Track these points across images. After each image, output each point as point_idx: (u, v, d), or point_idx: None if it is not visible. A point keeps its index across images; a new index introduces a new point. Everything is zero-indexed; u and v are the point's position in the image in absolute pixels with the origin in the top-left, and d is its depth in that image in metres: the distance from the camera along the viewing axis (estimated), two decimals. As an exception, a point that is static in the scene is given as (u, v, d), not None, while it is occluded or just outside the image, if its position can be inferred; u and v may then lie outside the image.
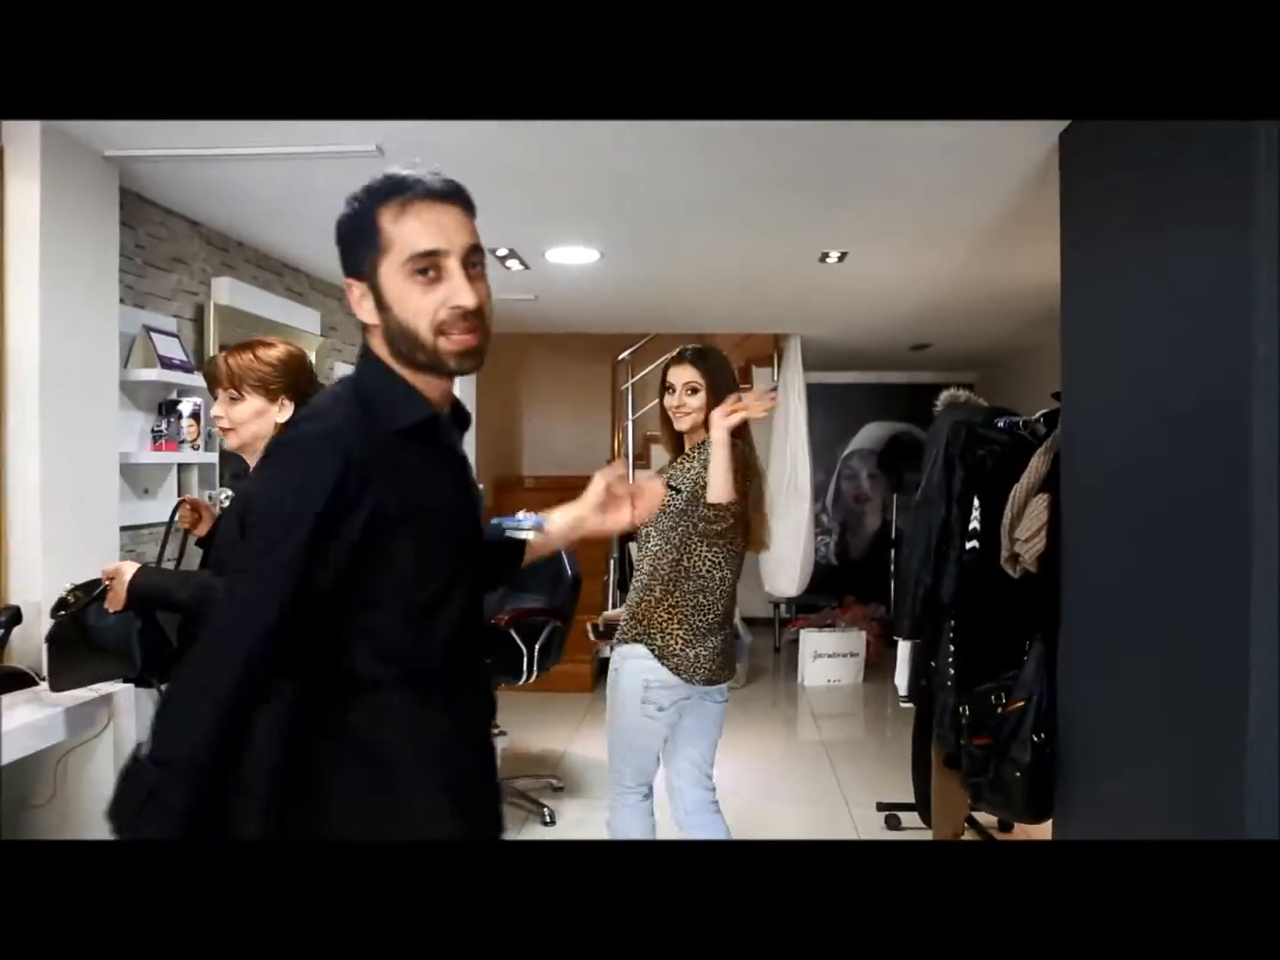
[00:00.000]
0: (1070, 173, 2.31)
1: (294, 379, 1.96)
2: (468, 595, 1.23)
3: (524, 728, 4.70)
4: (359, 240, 1.15)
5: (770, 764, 4.44)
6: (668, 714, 2.30)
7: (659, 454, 5.99)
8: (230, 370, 1.92)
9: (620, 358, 6.95)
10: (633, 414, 7.04)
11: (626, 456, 6.97)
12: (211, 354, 3.12)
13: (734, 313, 5.19)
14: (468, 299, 1.11)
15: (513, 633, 3.51)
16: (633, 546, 6.47)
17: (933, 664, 2.77)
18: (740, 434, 2.31)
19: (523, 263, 3.75)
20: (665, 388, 2.42)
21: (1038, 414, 2.74)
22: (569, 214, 3.17)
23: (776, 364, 6.93)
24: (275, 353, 1.96)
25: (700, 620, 2.29)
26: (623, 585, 6.30)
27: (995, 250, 3.71)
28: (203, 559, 2.02)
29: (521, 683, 3.59)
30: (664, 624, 2.28)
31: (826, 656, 5.92)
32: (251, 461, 1.98)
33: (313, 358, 3.92)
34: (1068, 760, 2.23)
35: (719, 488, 2.17)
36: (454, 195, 1.15)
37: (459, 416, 1.27)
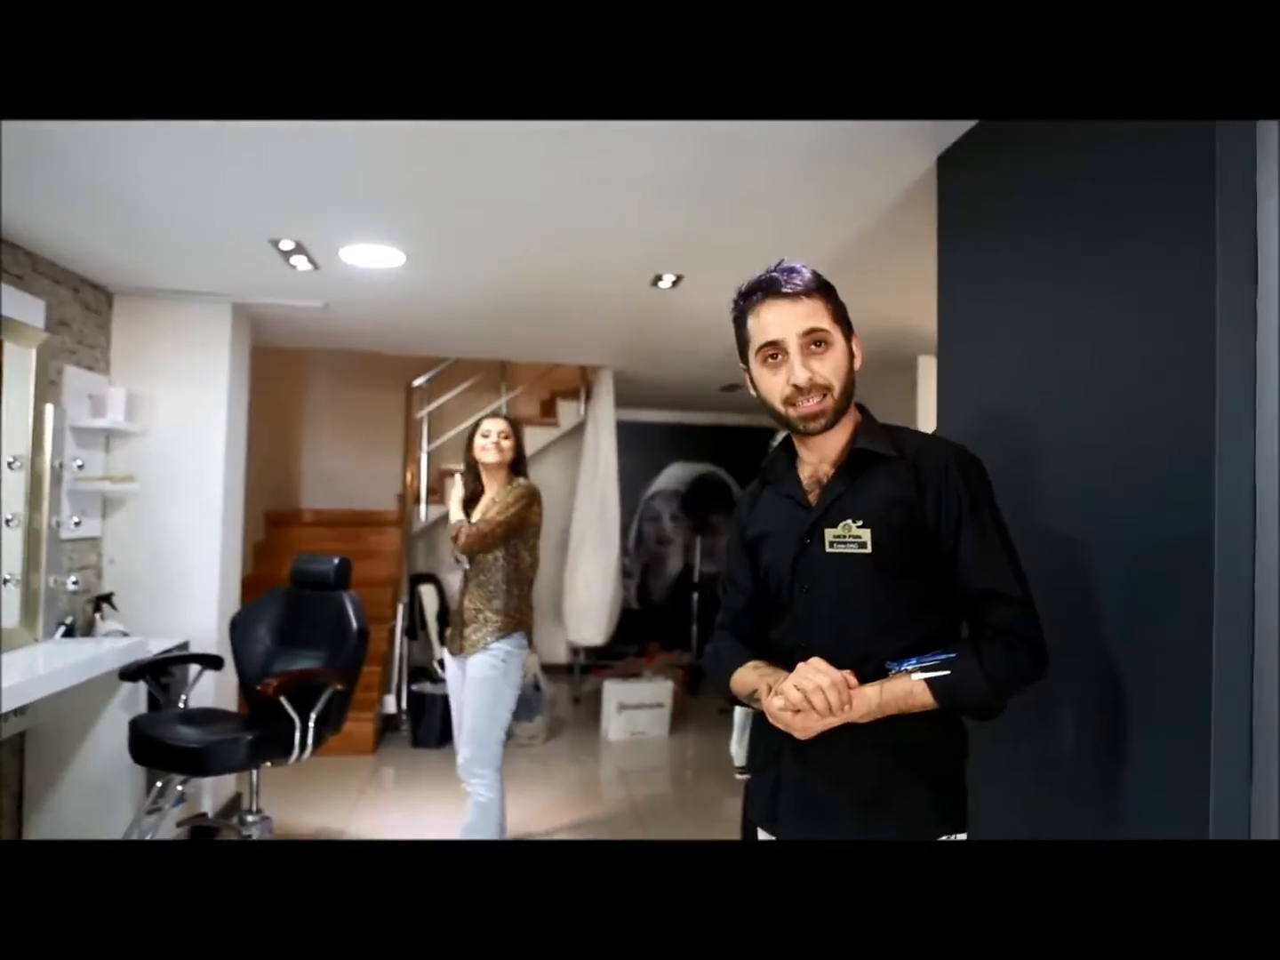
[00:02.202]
0: (947, 199, 2.14)
1: None
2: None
3: (290, 805, 4.01)
4: (740, 333, 1.44)
5: (576, 824, 4.03)
6: None
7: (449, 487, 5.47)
8: None
9: (416, 383, 6.39)
10: (428, 445, 6.49)
11: (420, 491, 6.40)
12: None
13: (545, 341, 4.82)
14: (799, 377, 1.36)
15: (283, 701, 2.90)
16: (426, 590, 5.90)
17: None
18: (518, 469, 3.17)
19: (311, 260, 3.20)
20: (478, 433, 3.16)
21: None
22: (370, 204, 2.68)
23: (584, 398, 6.63)
24: None
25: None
26: (411, 632, 5.71)
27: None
28: None
29: (293, 761, 2.98)
30: (525, 616, 3.11)
31: (632, 708, 5.59)
32: None
33: (32, 356, 3.16)
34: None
35: None
36: (800, 290, 1.38)
37: (856, 460, 1.41)
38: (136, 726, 2.93)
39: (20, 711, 3.09)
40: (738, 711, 2.86)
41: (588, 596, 5.60)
